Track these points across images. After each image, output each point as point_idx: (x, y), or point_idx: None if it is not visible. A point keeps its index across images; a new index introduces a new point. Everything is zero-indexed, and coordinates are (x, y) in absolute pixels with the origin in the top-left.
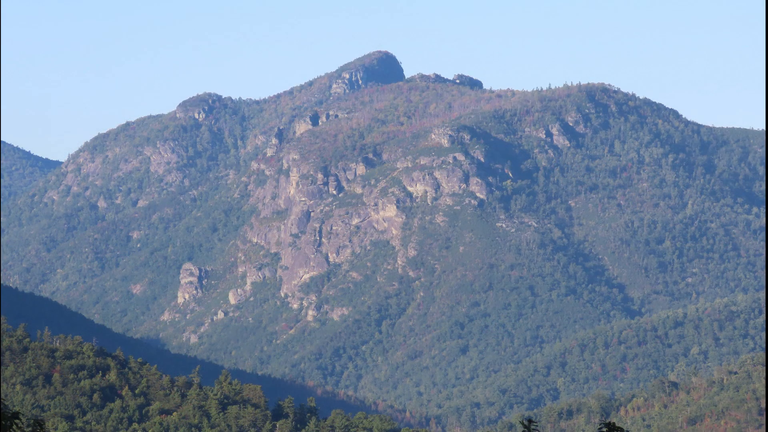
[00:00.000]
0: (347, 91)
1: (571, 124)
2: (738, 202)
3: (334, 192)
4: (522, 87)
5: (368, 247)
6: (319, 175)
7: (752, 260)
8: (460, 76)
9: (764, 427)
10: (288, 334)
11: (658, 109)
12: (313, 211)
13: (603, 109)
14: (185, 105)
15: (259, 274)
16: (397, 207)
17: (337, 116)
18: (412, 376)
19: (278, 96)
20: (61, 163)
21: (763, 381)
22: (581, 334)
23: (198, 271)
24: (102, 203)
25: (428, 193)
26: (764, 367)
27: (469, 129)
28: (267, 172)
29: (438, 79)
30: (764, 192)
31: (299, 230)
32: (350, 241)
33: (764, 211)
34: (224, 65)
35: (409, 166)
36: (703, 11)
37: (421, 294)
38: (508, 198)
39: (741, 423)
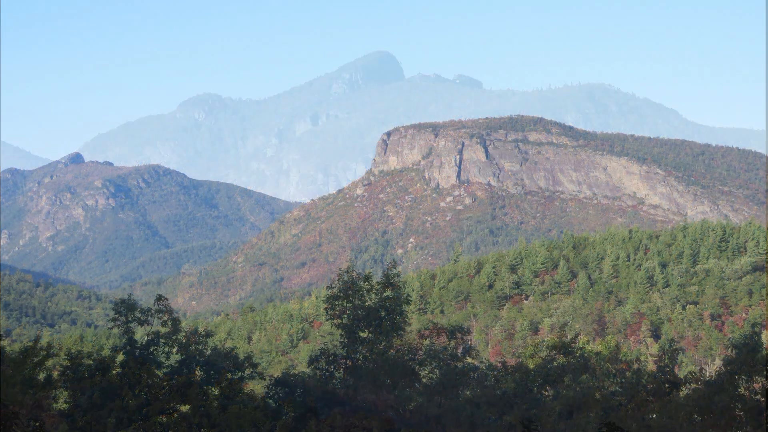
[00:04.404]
0: (347, 91)
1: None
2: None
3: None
4: (522, 87)
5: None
6: (319, 175)
7: None
8: (460, 76)
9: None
10: None
11: (658, 109)
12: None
13: (603, 109)
14: (185, 105)
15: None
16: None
17: (337, 116)
18: None
19: (278, 96)
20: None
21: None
22: None
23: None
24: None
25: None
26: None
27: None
28: (267, 172)
29: (438, 79)
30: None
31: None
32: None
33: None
34: (224, 65)
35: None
36: (703, 11)
37: None
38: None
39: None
